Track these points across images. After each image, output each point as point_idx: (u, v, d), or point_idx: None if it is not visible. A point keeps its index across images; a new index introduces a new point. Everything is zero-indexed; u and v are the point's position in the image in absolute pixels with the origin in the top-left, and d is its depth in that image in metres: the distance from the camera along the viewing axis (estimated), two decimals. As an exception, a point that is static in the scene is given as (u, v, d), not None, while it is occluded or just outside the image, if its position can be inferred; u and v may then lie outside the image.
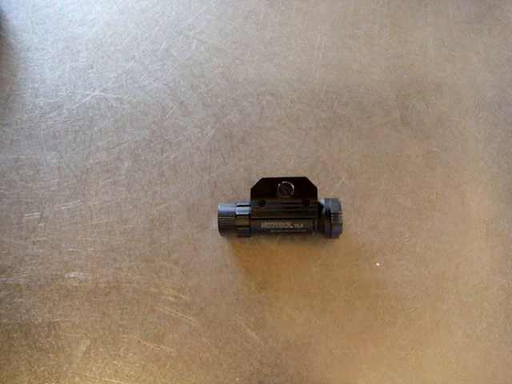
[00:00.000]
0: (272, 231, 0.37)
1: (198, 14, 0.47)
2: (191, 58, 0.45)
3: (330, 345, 0.37)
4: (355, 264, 0.39)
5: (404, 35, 0.46)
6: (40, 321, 0.38)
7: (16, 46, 0.45)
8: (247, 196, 0.40)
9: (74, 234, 0.40)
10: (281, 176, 0.40)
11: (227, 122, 0.43)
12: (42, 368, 0.37)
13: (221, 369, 0.37)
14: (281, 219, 0.36)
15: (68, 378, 0.37)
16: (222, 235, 0.39)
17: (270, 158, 0.42)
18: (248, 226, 0.37)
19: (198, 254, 0.39)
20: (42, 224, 0.40)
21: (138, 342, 0.37)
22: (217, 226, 0.38)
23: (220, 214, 0.37)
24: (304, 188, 0.36)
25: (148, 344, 0.37)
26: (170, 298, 0.38)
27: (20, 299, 0.38)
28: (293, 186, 0.36)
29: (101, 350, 0.37)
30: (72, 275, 0.39)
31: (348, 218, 0.40)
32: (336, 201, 0.37)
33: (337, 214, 0.36)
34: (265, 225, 0.36)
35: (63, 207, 0.41)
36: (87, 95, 0.44)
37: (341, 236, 0.38)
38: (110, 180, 0.41)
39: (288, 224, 0.36)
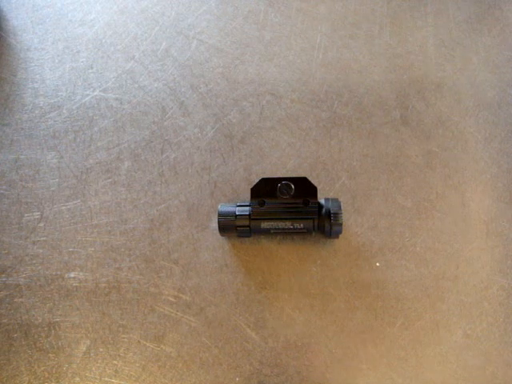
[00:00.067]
0: (272, 231, 0.37)
1: (198, 14, 0.47)
2: (191, 58, 0.45)
3: (330, 345, 0.37)
4: (355, 264, 0.39)
5: (404, 35, 0.46)
6: (40, 321, 0.38)
7: (16, 46, 0.45)
8: (247, 196, 0.40)
9: (73, 234, 0.40)
10: (281, 176, 0.40)
11: (227, 122, 0.43)
12: (42, 368, 0.37)
13: (221, 369, 0.37)
14: (281, 219, 0.36)
15: (68, 377, 0.37)
16: (222, 235, 0.39)
17: (269, 158, 0.42)
18: (248, 226, 0.37)
19: (198, 254, 0.39)
20: (42, 224, 0.40)
21: (138, 341, 0.37)
22: (217, 226, 0.38)
23: (220, 214, 0.37)
24: (304, 188, 0.36)
25: (148, 344, 0.37)
26: (170, 298, 0.38)
27: (20, 299, 0.38)
28: (293, 186, 0.36)
29: (101, 349, 0.37)
30: (72, 275, 0.39)
31: (348, 218, 0.40)
32: (336, 201, 0.37)
33: (337, 214, 0.36)
34: (265, 225, 0.36)
35: (63, 207, 0.41)
36: (87, 95, 0.44)
37: (341, 236, 0.38)
38: (109, 180, 0.41)
39: (288, 224, 0.36)
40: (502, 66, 0.44)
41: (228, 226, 0.37)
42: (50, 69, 0.45)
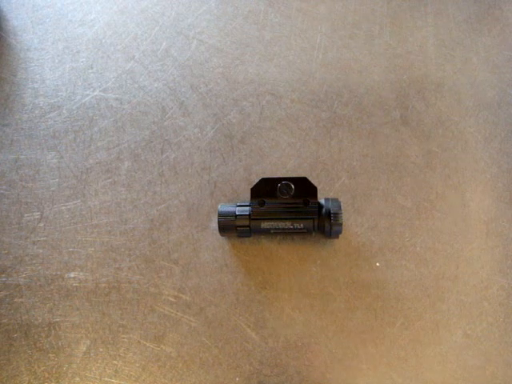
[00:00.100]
0: (272, 231, 0.37)
1: (198, 14, 0.47)
2: (191, 57, 0.45)
3: (330, 345, 0.37)
4: (355, 264, 0.39)
5: (404, 35, 0.46)
6: (40, 321, 0.38)
7: (16, 46, 0.45)
8: (247, 196, 0.40)
9: (73, 233, 0.40)
10: (281, 176, 0.40)
11: (227, 122, 0.43)
12: (42, 368, 0.37)
13: (221, 369, 0.37)
14: (281, 219, 0.36)
15: (68, 377, 0.37)
16: (222, 235, 0.39)
17: (269, 158, 0.42)
18: (248, 226, 0.37)
19: (198, 254, 0.39)
20: (41, 224, 0.40)
21: (138, 341, 0.37)
22: (217, 226, 0.38)
23: (220, 214, 0.37)
24: (304, 188, 0.36)
25: (148, 344, 0.37)
26: (170, 298, 0.38)
27: (20, 299, 0.38)
28: (293, 186, 0.36)
29: (101, 349, 0.37)
30: (72, 275, 0.39)
31: (348, 218, 0.40)
32: (336, 201, 0.37)
33: (337, 214, 0.36)
34: (265, 225, 0.36)
35: (63, 207, 0.41)
36: (87, 95, 0.44)
37: (341, 236, 0.38)
38: (109, 180, 0.41)
39: (288, 224, 0.36)
40: (502, 66, 0.44)
41: (228, 225, 0.37)
42: (50, 69, 0.45)
